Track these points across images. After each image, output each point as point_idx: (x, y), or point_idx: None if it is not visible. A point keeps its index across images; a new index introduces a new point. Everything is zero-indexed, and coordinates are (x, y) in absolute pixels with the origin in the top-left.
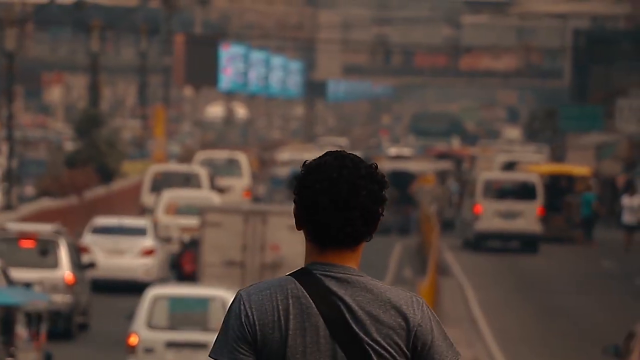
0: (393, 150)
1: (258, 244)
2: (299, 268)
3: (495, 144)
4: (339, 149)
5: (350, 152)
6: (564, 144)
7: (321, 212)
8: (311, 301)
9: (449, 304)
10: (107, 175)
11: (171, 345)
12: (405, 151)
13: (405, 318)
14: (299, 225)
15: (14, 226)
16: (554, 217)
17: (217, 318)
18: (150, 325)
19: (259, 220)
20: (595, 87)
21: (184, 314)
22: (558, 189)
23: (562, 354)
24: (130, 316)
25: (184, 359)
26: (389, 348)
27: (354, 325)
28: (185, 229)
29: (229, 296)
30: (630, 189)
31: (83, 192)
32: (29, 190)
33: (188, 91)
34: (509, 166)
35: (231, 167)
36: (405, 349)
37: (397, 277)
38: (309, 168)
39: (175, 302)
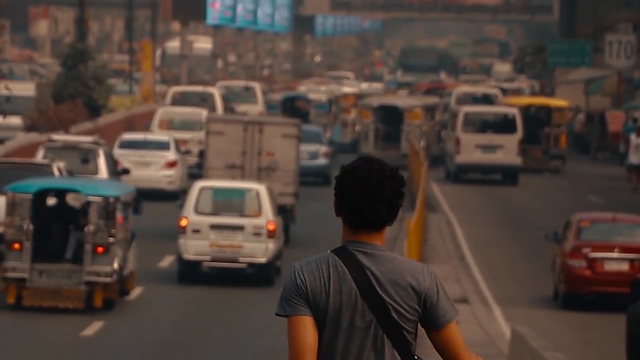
0: (364, 86)
1: (256, 150)
2: (338, 246)
3: (485, 79)
4: (368, 155)
5: (377, 158)
6: (553, 80)
7: (355, 203)
8: (346, 270)
9: (437, 239)
10: (94, 110)
11: (214, 227)
12: (376, 86)
13: (417, 283)
14: (338, 213)
15: (59, 137)
16: (531, 148)
17: (251, 205)
18: (197, 211)
19: (257, 129)
20: (584, 22)
21: (225, 201)
22: (536, 121)
23: (549, 289)
24: (181, 205)
25: (223, 238)
26: (405, 306)
27: (378, 289)
28: (178, 142)
29: (261, 189)
30: (636, 127)
31: (70, 127)
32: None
33: (175, 26)
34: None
35: (248, 94)
36: (417, 306)
37: None
38: (346, 170)
39: (218, 192)
